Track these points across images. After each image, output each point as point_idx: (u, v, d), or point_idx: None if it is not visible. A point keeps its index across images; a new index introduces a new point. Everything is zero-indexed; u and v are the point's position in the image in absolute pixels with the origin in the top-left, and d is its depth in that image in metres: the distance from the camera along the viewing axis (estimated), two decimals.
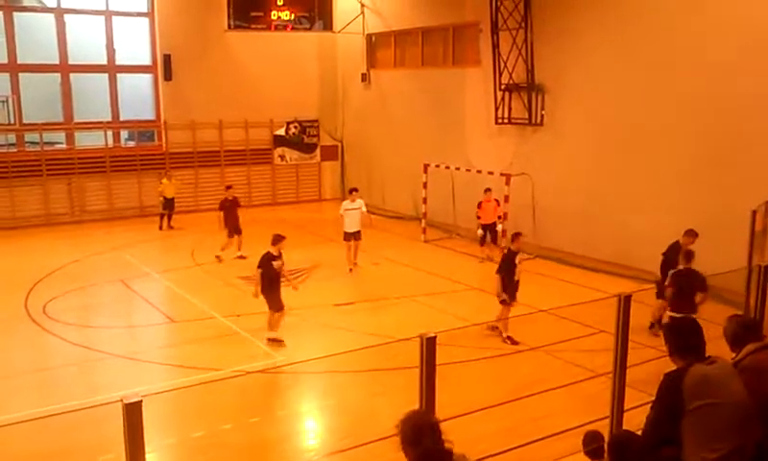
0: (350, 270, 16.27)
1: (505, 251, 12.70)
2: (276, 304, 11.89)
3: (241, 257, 16.91)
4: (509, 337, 11.76)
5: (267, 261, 11.92)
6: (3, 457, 8.10)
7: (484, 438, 8.00)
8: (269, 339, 11.83)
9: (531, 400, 9.36)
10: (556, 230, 17.46)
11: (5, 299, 14.19)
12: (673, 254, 11.68)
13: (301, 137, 25.80)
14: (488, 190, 17.10)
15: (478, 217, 17.07)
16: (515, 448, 7.86)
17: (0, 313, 13.47)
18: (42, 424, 8.64)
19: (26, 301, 13.97)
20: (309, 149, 26.07)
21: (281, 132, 25.37)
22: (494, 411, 9.02)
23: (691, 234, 11.63)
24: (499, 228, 16.94)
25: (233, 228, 17.46)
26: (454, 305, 13.61)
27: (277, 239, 12.11)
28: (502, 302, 11.86)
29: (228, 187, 18.62)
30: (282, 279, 12.13)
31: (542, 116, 17.88)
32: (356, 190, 17.01)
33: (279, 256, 12.06)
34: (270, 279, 11.88)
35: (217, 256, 17.16)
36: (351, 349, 11.04)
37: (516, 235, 12.22)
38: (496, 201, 17.06)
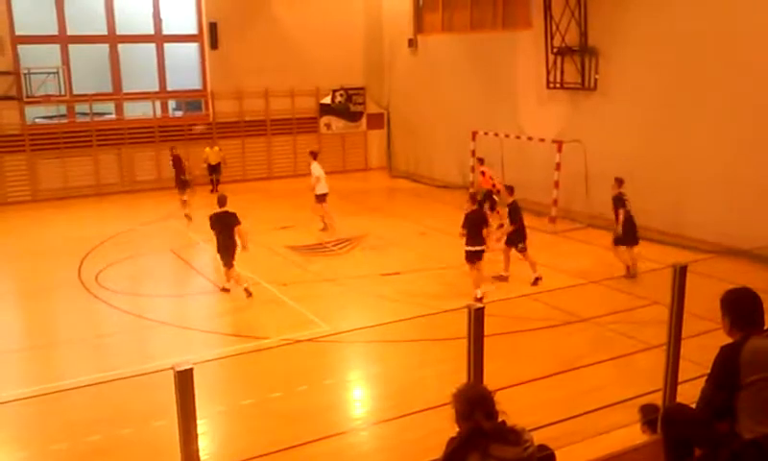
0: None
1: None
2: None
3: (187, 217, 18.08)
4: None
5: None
6: (58, 422, 8.29)
7: (534, 409, 7.86)
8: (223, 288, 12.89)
9: (582, 372, 9.18)
10: (609, 198, 16.98)
11: (59, 267, 14.51)
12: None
13: (347, 106, 25.65)
14: (481, 160, 17.78)
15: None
16: (566, 419, 7.71)
17: (54, 281, 13.81)
18: (96, 390, 8.81)
19: (79, 269, 14.26)
20: (355, 117, 25.92)
21: (327, 100, 25.25)
22: (545, 383, 8.88)
23: (618, 181, 13.41)
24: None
25: (182, 182, 18.75)
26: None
27: (224, 200, 12.75)
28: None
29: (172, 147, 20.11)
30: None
31: (596, 81, 17.38)
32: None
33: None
34: None
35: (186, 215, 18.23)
36: (398, 319, 10.98)
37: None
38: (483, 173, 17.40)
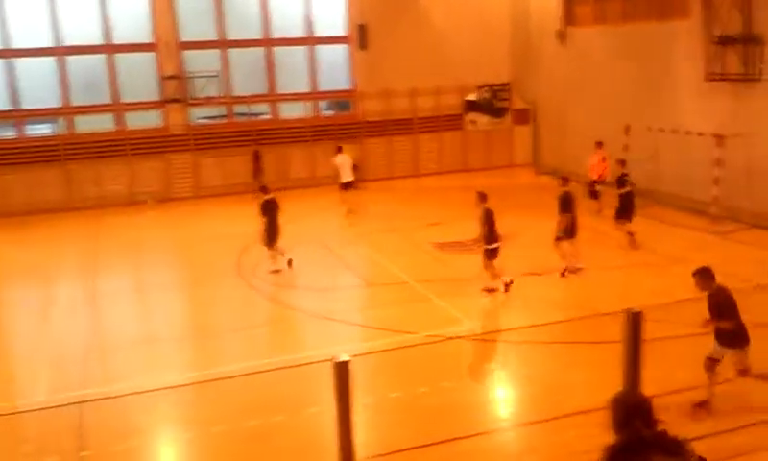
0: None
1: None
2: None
3: None
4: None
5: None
6: (219, 408, 8.83)
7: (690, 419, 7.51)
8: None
9: (744, 382, 8.61)
10: None
11: (221, 260, 15.42)
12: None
13: (492, 102, 25.42)
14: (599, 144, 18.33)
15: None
16: (728, 430, 7.29)
17: (215, 273, 14.71)
18: (251, 376, 9.30)
19: (237, 262, 15.07)
20: (500, 113, 25.64)
21: (472, 96, 25.15)
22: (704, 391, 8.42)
23: (619, 162, 15.62)
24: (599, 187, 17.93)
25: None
26: (655, 278, 12.83)
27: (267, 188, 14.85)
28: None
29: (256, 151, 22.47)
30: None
31: (761, 70, 16.20)
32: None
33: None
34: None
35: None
36: (548, 321, 10.78)
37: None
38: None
